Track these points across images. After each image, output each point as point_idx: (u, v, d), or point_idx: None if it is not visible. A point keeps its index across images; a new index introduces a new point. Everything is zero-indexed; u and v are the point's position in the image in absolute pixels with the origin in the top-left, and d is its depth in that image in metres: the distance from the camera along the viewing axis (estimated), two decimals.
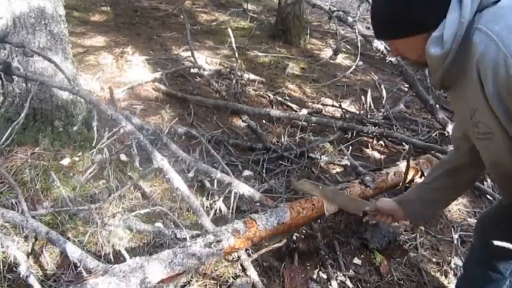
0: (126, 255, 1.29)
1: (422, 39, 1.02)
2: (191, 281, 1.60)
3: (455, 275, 1.93)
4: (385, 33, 1.13)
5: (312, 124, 3.04)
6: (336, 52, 3.90)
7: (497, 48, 0.88)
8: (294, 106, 3.35)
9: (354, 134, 2.92)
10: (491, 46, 0.89)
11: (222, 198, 1.84)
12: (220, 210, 1.89)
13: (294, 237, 1.89)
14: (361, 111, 3.31)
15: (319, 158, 2.63)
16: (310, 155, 2.66)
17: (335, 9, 3.24)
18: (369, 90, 3.43)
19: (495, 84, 0.91)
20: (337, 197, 1.74)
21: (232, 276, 1.67)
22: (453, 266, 1.96)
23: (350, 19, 3.13)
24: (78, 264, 1.29)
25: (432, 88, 3.36)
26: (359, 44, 3.07)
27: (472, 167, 1.32)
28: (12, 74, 1.66)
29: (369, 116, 3.20)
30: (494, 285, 1.46)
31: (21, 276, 1.26)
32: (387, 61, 3.06)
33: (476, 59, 0.93)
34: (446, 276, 1.91)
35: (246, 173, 2.36)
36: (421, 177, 2.35)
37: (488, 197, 2.47)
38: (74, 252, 1.31)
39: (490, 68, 0.90)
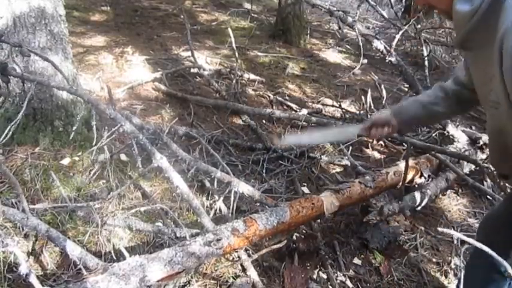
0: (126, 254, 1.29)
1: None
2: (191, 280, 1.60)
3: (455, 275, 1.93)
4: None
5: (312, 124, 3.04)
6: (341, 40, 3.85)
7: None
8: (294, 106, 3.35)
9: None
10: None
11: (222, 198, 1.84)
12: (220, 210, 1.89)
13: (294, 237, 1.89)
14: (361, 111, 3.31)
15: (319, 158, 2.63)
16: (310, 155, 2.66)
17: (335, 9, 3.24)
18: (369, 90, 3.43)
19: None
20: (326, 135, 1.69)
21: (232, 276, 1.67)
22: (453, 266, 1.96)
23: (350, 19, 3.13)
24: (78, 263, 1.29)
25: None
26: (361, 44, 3.07)
27: (472, 100, 1.30)
28: (9, 74, 1.66)
29: (369, 116, 3.20)
30: (495, 286, 1.46)
31: (21, 275, 1.26)
32: (387, 61, 3.07)
33: (501, 32, 0.90)
34: (446, 276, 1.91)
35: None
36: (420, 177, 2.35)
37: (488, 197, 2.47)
38: (73, 250, 1.31)
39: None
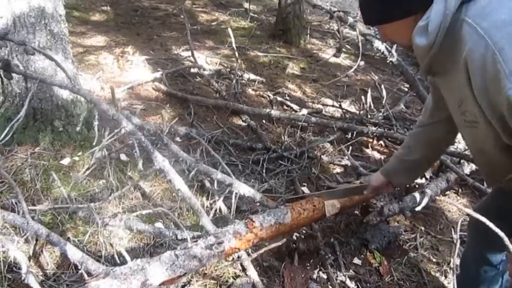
0: (127, 256, 1.29)
1: (410, 23, 1.04)
2: (191, 281, 1.60)
3: (454, 274, 1.93)
4: (372, 19, 1.14)
5: (312, 124, 3.04)
6: (339, 49, 3.89)
7: (486, 45, 0.89)
8: (294, 106, 3.35)
9: (354, 134, 2.92)
10: (480, 43, 0.90)
11: (222, 198, 1.84)
12: (220, 210, 1.89)
13: (294, 237, 1.89)
14: (361, 112, 3.31)
15: (319, 158, 2.63)
16: (310, 155, 2.66)
17: (335, 9, 3.24)
18: (369, 90, 3.43)
19: (483, 79, 0.93)
20: (337, 195, 1.79)
21: (232, 276, 1.67)
22: (453, 266, 1.96)
23: (350, 19, 3.13)
24: (79, 267, 1.29)
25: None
26: (360, 44, 3.07)
27: (449, 133, 1.39)
28: (12, 71, 1.65)
29: (369, 116, 3.20)
30: (490, 280, 1.47)
31: (21, 275, 1.26)
32: (387, 61, 3.07)
33: (464, 55, 0.94)
34: (446, 276, 1.91)
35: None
36: (421, 177, 2.35)
37: None
38: (74, 254, 1.30)
39: (478, 64, 0.92)
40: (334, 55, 4.21)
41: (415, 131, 1.52)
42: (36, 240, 1.57)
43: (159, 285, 1.24)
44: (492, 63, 0.89)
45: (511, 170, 1.12)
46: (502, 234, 0.92)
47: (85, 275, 1.25)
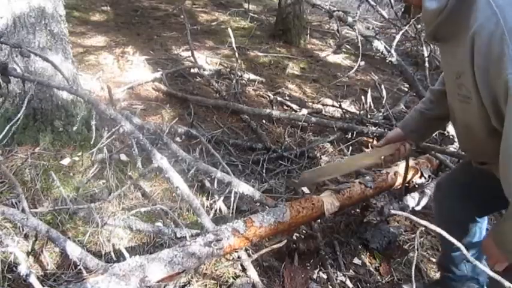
0: (126, 254, 1.29)
1: None
2: (191, 281, 1.60)
3: None
4: None
5: (312, 124, 3.04)
6: (339, 46, 3.90)
7: (497, 22, 0.86)
8: (294, 106, 3.35)
9: (354, 134, 2.92)
10: (492, 20, 0.88)
11: (222, 198, 1.84)
12: (220, 210, 1.90)
13: (294, 237, 1.89)
14: (361, 112, 3.31)
15: (319, 158, 2.63)
16: (310, 155, 2.66)
17: (335, 9, 3.24)
18: (369, 90, 3.43)
19: (486, 59, 0.91)
20: (349, 164, 1.71)
21: (232, 276, 1.67)
22: None
23: (350, 19, 3.13)
24: (78, 263, 1.29)
25: None
26: (360, 44, 3.07)
27: None
28: (9, 74, 1.66)
29: (369, 116, 3.20)
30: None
31: (21, 275, 1.26)
32: (387, 61, 3.07)
33: (473, 30, 0.92)
34: None
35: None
36: (420, 177, 2.35)
37: None
38: (73, 250, 1.31)
39: (485, 42, 0.90)
40: (334, 52, 4.22)
41: (437, 88, 1.43)
42: (36, 238, 1.57)
43: (158, 282, 1.24)
44: (499, 43, 0.86)
45: (492, 151, 1.10)
46: (459, 244, 0.91)
47: (84, 272, 1.26)
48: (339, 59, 4.75)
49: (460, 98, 1.09)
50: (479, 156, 1.26)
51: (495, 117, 0.98)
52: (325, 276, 1.78)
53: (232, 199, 1.72)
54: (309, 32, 5.15)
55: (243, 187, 1.73)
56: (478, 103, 1.00)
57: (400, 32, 3.57)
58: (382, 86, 3.48)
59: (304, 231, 1.96)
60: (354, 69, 3.46)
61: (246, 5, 5.74)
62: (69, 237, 1.61)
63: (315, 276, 1.78)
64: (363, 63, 4.04)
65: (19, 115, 1.56)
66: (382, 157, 1.58)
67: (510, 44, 0.85)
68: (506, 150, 0.94)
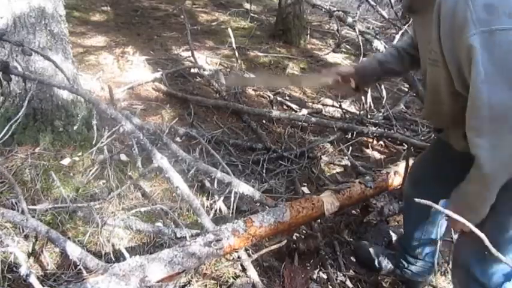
0: (126, 255, 1.29)
1: None
2: (191, 281, 1.60)
3: None
4: None
5: (312, 124, 3.04)
6: (338, 45, 3.89)
7: None
8: (294, 106, 3.35)
9: (354, 134, 2.93)
10: None
11: (222, 198, 1.84)
12: (220, 210, 1.90)
13: (294, 237, 1.89)
14: (361, 112, 3.31)
15: (319, 158, 2.63)
16: (310, 155, 2.66)
17: (335, 9, 3.24)
18: (369, 90, 3.43)
19: (451, 24, 0.97)
20: (283, 79, 1.75)
21: (233, 277, 1.67)
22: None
23: (350, 19, 3.13)
24: (78, 263, 1.29)
25: None
26: (361, 43, 3.08)
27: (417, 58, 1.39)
28: (10, 73, 1.66)
29: (369, 116, 3.20)
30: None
31: (21, 275, 1.26)
32: None
33: None
34: (446, 276, 1.91)
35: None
36: None
37: None
38: (73, 251, 1.31)
39: (451, 6, 0.96)
40: (334, 50, 4.22)
41: (401, 46, 1.55)
42: (36, 239, 1.57)
43: (158, 282, 1.24)
44: (463, 10, 0.92)
45: (452, 115, 1.18)
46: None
47: (84, 272, 1.26)
48: (338, 59, 4.75)
49: (430, 62, 1.17)
50: (439, 122, 1.37)
51: (458, 80, 1.05)
52: (325, 276, 1.79)
53: (232, 199, 1.72)
54: (309, 32, 5.14)
55: (243, 187, 1.73)
56: (443, 66, 1.07)
57: (400, 32, 3.58)
58: (382, 86, 3.48)
59: (304, 232, 1.96)
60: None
61: (246, 5, 5.74)
62: (69, 238, 1.61)
63: (315, 276, 1.78)
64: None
65: (19, 114, 1.56)
66: (323, 81, 1.67)
67: (473, 11, 0.91)
68: (474, 103, 0.97)
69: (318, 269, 1.81)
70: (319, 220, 2.02)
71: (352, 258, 1.93)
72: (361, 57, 3.19)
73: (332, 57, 4.75)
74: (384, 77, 1.73)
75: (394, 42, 3.30)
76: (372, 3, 3.46)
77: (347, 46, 5.06)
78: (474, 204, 1.13)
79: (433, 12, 1.03)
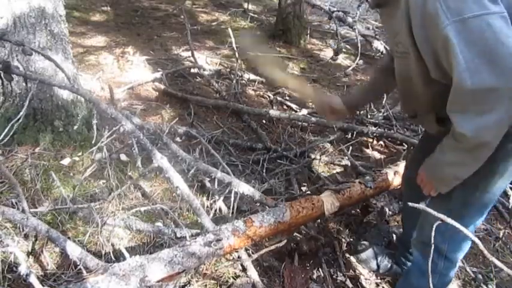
0: (126, 254, 1.29)
1: None
2: (191, 281, 1.60)
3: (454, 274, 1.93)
4: None
5: (312, 124, 3.04)
6: (336, 52, 3.90)
7: None
8: (294, 106, 3.35)
9: (354, 134, 2.93)
10: None
11: (222, 198, 1.84)
12: (220, 210, 1.90)
13: (298, 238, 1.89)
14: (361, 112, 3.31)
15: (319, 158, 2.63)
16: (310, 155, 2.66)
17: (335, 9, 3.24)
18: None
19: (422, 16, 1.00)
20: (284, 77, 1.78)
21: (233, 277, 1.67)
22: None
23: (350, 19, 3.13)
24: (78, 263, 1.29)
25: None
26: (359, 44, 3.07)
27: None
28: (12, 73, 1.66)
29: (369, 116, 3.20)
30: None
31: (21, 275, 1.26)
32: None
33: None
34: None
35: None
36: None
37: None
38: (74, 250, 1.31)
39: (420, 1, 0.99)
40: (332, 58, 4.22)
41: (379, 66, 1.61)
42: (36, 238, 1.57)
43: (158, 282, 1.24)
44: (433, 2, 0.95)
45: (426, 101, 1.23)
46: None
47: (84, 272, 1.26)
48: (339, 59, 4.75)
49: (398, 55, 1.22)
50: (412, 109, 1.41)
51: (435, 69, 1.08)
52: (325, 276, 1.79)
53: (232, 199, 1.72)
54: (309, 32, 5.14)
55: (243, 187, 1.73)
56: (415, 57, 1.10)
57: None
58: None
59: (306, 232, 1.95)
60: (350, 68, 3.46)
61: (246, 5, 5.74)
62: (69, 237, 1.61)
63: (315, 276, 1.78)
64: (361, 61, 4.04)
65: (20, 114, 1.56)
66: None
67: (442, 1, 0.94)
68: (457, 90, 1.00)
69: (318, 269, 1.81)
70: (319, 220, 2.02)
71: (352, 258, 1.93)
72: (357, 58, 3.19)
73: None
74: (376, 101, 1.74)
75: None
76: None
77: (347, 46, 5.06)
78: (451, 173, 1.19)
79: (402, 5, 1.05)
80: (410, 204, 0.93)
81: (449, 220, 0.83)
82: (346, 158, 2.62)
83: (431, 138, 1.35)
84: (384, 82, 1.59)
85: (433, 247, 0.91)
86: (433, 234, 0.86)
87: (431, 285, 0.92)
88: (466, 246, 1.40)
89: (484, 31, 0.92)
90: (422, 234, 1.44)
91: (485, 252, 0.79)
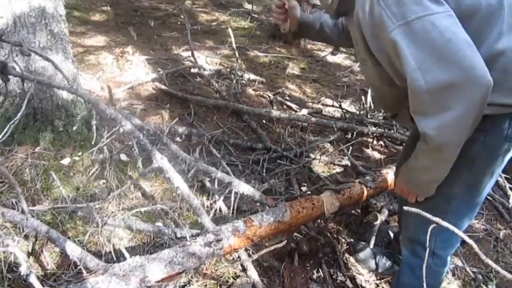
0: (127, 254, 1.29)
1: None
2: (191, 281, 1.60)
3: (454, 274, 1.93)
4: None
5: (312, 124, 3.04)
6: (337, 47, 3.89)
7: None
8: (294, 106, 3.35)
9: (354, 134, 2.93)
10: None
11: (222, 198, 1.84)
12: (220, 210, 1.90)
13: (297, 239, 1.89)
14: (361, 112, 3.31)
15: (319, 158, 2.63)
16: (310, 155, 2.66)
17: None
18: (369, 90, 3.43)
19: (372, 28, 1.04)
20: None
21: (233, 277, 1.67)
22: (452, 266, 1.96)
23: None
24: (78, 263, 1.29)
25: None
26: None
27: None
28: (8, 73, 1.66)
29: (369, 116, 3.20)
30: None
31: (21, 275, 1.26)
32: None
33: (356, 7, 1.08)
34: (445, 276, 1.91)
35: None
36: None
37: (488, 197, 2.47)
38: (74, 251, 1.31)
39: (367, 13, 1.03)
40: (332, 53, 4.22)
41: (340, 24, 1.63)
42: (36, 238, 1.57)
43: (158, 282, 1.24)
44: (378, 10, 0.99)
45: (396, 102, 1.27)
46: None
47: (84, 272, 1.26)
48: (339, 59, 4.75)
49: (360, 61, 1.27)
50: (389, 109, 1.45)
51: (394, 74, 1.12)
52: (325, 276, 1.79)
53: (232, 199, 1.72)
54: None
55: (243, 187, 1.73)
56: (373, 64, 1.16)
57: None
58: None
59: (306, 232, 1.96)
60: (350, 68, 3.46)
61: (246, 5, 5.74)
62: (69, 237, 1.61)
63: (315, 276, 1.78)
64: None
65: (19, 114, 1.56)
66: None
67: (386, 8, 0.98)
68: (413, 91, 1.02)
69: (318, 269, 1.81)
70: (319, 220, 2.02)
71: (352, 259, 1.94)
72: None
73: (332, 58, 4.75)
74: (316, 39, 1.83)
75: None
76: None
77: None
78: (427, 177, 1.21)
79: (354, 16, 1.10)
80: (405, 208, 0.93)
81: (436, 219, 0.83)
82: (346, 158, 2.62)
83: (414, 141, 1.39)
84: (337, 32, 1.64)
85: (428, 246, 0.92)
86: (428, 234, 0.86)
87: (425, 284, 0.92)
88: (455, 242, 1.40)
89: (430, 31, 0.95)
90: (408, 231, 1.45)
91: (477, 249, 0.78)
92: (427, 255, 0.96)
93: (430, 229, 0.85)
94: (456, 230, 0.80)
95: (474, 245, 0.75)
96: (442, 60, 0.95)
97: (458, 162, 1.12)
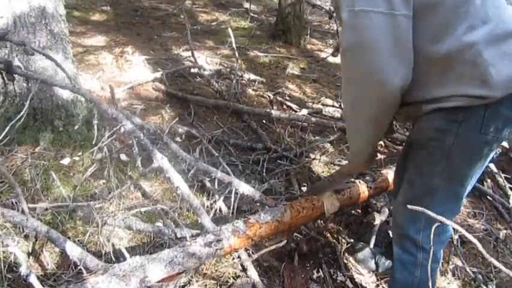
0: (127, 255, 1.29)
1: None
2: (191, 281, 1.60)
3: (454, 274, 1.93)
4: None
5: (312, 124, 3.04)
6: (337, 48, 3.89)
7: None
8: (294, 106, 3.35)
9: None
10: None
11: (222, 198, 1.84)
12: (220, 210, 1.90)
13: (297, 239, 1.88)
14: None
15: (319, 158, 2.63)
16: (310, 155, 2.66)
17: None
18: None
19: (337, 8, 1.17)
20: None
21: (233, 276, 1.67)
22: (452, 266, 1.96)
23: None
24: (78, 263, 1.29)
25: None
26: None
27: None
28: (14, 72, 1.66)
29: None
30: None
31: (21, 275, 1.26)
32: None
33: None
34: (445, 276, 1.91)
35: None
36: None
37: (488, 197, 2.47)
38: (74, 251, 1.31)
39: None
40: (332, 54, 4.22)
41: None
42: (36, 239, 1.57)
43: (158, 282, 1.24)
44: None
45: None
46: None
47: (84, 272, 1.26)
48: (339, 59, 4.74)
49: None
50: None
51: None
52: (325, 276, 1.79)
53: (232, 199, 1.72)
54: (309, 32, 5.14)
55: (243, 187, 1.73)
56: None
57: None
58: None
59: (306, 233, 1.96)
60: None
61: (246, 5, 5.74)
62: (69, 237, 1.61)
63: (315, 276, 1.78)
64: None
65: (21, 114, 1.56)
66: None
67: None
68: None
69: (318, 269, 1.81)
70: (319, 220, 2.02)
71: (352, 259, 1.94)
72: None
73: (332, 58, 4.74)
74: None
75: None
76: None
77: None
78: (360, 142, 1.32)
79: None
80: (409, 206, 0.93)
81: (430, 213, 0.82)
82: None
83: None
84: None
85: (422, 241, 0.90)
86: (426, 233, 0.86)
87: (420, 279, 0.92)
88: (443, 237, 1.40)
89: (366, 26, 1.05)
90: (396, 226, 1.46)
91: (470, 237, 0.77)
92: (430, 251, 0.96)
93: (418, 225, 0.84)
94: (443, 219, 0.80)
95: (478, 244, 0.74)
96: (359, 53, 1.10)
97: (435, 152, 1.18)
